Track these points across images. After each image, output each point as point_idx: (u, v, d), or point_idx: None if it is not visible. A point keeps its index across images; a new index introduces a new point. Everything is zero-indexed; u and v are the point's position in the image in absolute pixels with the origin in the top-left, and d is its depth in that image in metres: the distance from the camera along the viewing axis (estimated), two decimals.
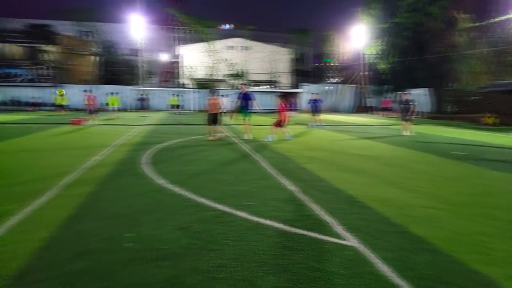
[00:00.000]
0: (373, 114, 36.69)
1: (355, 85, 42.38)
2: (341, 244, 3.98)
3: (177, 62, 48.18)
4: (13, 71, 39.43)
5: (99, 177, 6.89)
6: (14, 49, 41.47)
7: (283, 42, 53.24)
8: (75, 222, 4.51)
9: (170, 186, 6.31)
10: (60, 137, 13.52)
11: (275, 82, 48.71)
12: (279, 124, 13.30)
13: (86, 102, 20.10)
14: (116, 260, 3.54)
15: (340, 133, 16.54)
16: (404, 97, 17.08)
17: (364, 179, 7.15)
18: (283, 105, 13.44)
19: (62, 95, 32.74)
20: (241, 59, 45.20)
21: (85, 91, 22.63)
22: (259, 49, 48.71)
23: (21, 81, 39.33)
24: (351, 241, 4.06)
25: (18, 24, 42.42)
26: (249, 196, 5.78)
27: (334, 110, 40.35)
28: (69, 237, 4.04)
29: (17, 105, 37.26)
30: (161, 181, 6.62)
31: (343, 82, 46.93)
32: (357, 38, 39.31)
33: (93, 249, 3.75)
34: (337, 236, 4.20)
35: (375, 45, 37.18)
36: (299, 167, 8.24)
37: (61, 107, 31.00)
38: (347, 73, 49.54)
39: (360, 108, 41.29)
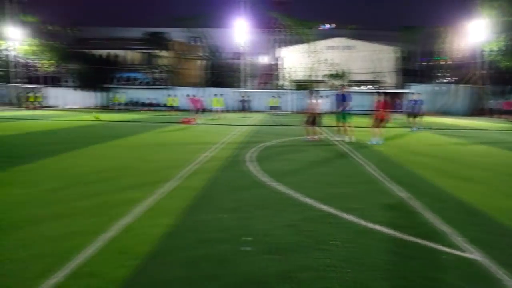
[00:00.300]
0: (492, 117, 32.82)
1: (470, 85, 38.40)
2: (462, 256, 3.68)
3: (277, 64, 49.13)
4: (132, 75, 44.34)
5: (210, 172, 7.41)
6: (134, 55, 46.67)
7: (387, 41, 50.65)
8: (193, 212, 4.93)
9: (274, 184, 6.50)
10: (173, 135, 14.87)
11: (378, 82, 46.61)
12: (378, 124, 12.73)
13: (191, 105, 21.82)
14: (232, 250, 3.78)
15: (451, 138, 15.18)
16: None
17: (480, 188, 6.48)
18: (382, 104, 12.81)
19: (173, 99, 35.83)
20: (342, 59, 44.22)
21: (187, 95, 24.64)
22: (362, 48, 47.04)
23: (139, 84, 44.02)
24: (473, 254, 3.73)
25: (137, 32, 47.52)
26: (355, 199, 5.67)
27: (445, 112, 37.07)
28: (190, 226, 4.44)
29: (135, 106, 41.82)
30: (265, 179, 6.86)
31: (456, 82, 42.89)
32: (475, 34, 35.53)
33: (212, 238, 4.07)
34: (457, 247, 3.89)
35: (497, 40, 33.25)
36: (407, 172, 7.80)
37: (171, 108, 33.90)
38: (460, 72, 45.15)
39: (477, 110, 37.26)
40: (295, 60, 43.66)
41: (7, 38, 39.88)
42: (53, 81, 48.52)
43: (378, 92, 15.58)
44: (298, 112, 35.41)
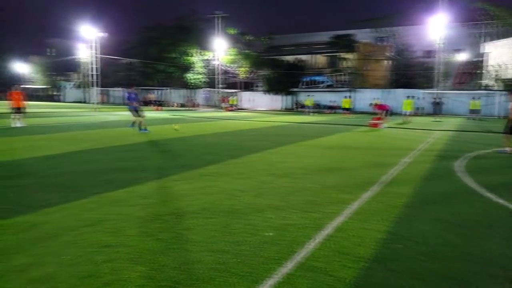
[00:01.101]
0: None
1: None
2: None
3: (479, 62, 42.70)
4: (317, 78, 45.69)
5: (414, 180, 6.81)
6: (319, 59, 48.08)
7: None
8: (408, 220, 4.54)
9: (497, 199, 5.46)
10: (362, 138, 14.52)
11: None
12: None
13: (378, 110, 20.83)
14: (472, 273, 3.26)
15: None
16: None
17: None
18: None
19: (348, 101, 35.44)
20: None
21: (370, 104, 23.55)
22: None
23: (322, 87, 45.05)
24: None
25: (324, 36, 48.76)
26: None
27: None
28: (408, 234, 4.08)
29: (317, 108, 43.05)
30: (485, 193, 5.85)
31: None
32: None
33: (438, 253, 3.62)
34: None
35: None
36: None
37: (347, 110, 33.38)
38: None
39: None
40: (504, 55, 37.01)
41: (213, 49, 46.75)
42: (247, 86, 54.48)
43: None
44: (504, 117, 29.90)
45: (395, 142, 13.06)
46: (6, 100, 18.41)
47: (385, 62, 48.66)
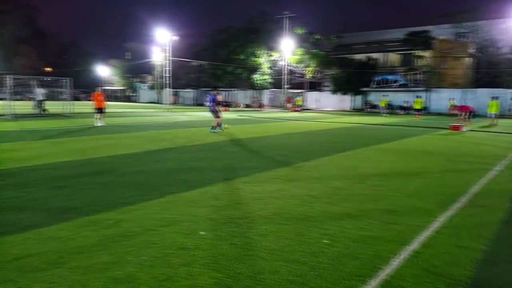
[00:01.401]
0: None
1: None
2: None
3: None
4: (389, 77, 43.55)
5: (510, 191, 6.06)
6: (392, 58, 45.83)
7: None
8: (509, 240, 4.00)
9: None
10: (444, 142, 13.46)
11: None
12: None
13: (457, 112, 19.19)
14: None
15: None
16: None
17: None
18: None
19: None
20: None
21: (450, 107, 21.60)
22: None
23: (395, 87, 42.85)
24: None
25: (397, 33, 46.37)
26: None
27: None
28: (510, 258, 3.57)
29: (390, 109, 41.02)
30: None
31: None
32: None
33: None
34: None
35: None
36: None
37: (418, 110, 31.20)
38: None
39: None
40: None
41: (280, 50, 46.67)
42: (313, 86, 53.66)
43: None
44: None
45: (481, 147, 11.90)
46: (90, 100, 19.98)
47: (466, 59, 45.00)
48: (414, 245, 3.78)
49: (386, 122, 23.66)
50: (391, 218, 4.61)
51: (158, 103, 61.81)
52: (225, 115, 29.66)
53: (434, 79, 41.38)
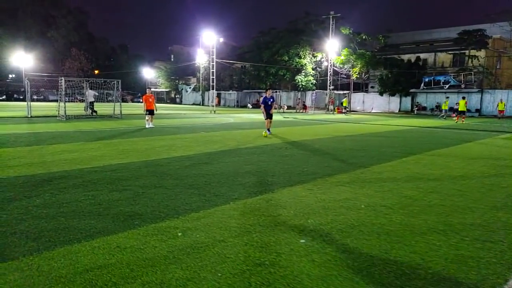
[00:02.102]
0: None
1: None
2: None
3: None
4: (439, 78, 41.40)
5: None
6: (444, 57, 43.64)
7: None
8: None
9: None
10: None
11: None
12: None
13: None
14: None
15: None
16: None
17: None
18: None
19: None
20: None
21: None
22: None
23: (449, 88, 40.64)
24: None
25: (448, 33, 44.14)
26: None
27: None
28: None
29: (439, 111, 39.00)
30: None
31: None
32: None
33: None
34: None
35: None
36: None
37: (462, 113, 29.06)
38: None
39: None
40: None
41: (324, 50, 45.75)
42: (359, 87, 52.24)
43: None
44: None
45: None
46: (138, 102, 20.32)
47: None
48: None
49: (440, 125, 22.39)
50: (484, 235, 4.08)
51: (201, 104, 62.84)
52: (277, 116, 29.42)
53: (488, 80, 38.93)
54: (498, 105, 32.48)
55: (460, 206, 5.18)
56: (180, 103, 72.46)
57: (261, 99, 14.84)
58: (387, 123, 23.26)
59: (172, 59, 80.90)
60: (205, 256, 3.46)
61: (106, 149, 10.06)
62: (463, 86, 39.23)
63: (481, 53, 39.61)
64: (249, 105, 53.46)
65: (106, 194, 5.50)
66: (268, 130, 14.59)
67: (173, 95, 77.75)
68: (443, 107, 32.27)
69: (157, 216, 4.57)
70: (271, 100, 14.54)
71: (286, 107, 47.23)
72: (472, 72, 39.33)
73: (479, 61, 39.52)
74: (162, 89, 76.48)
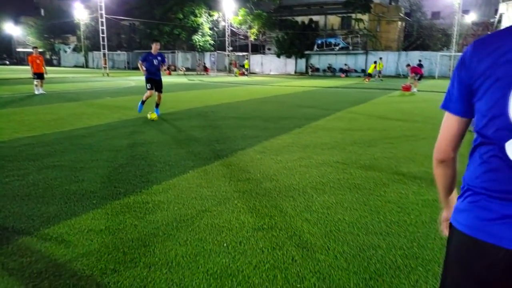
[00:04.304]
0: None
1: None
2: None
3: (491, 23, 41.36)
4: (331, 40, 44.07)
5: None
6: (333, 20, 46.40)
7: None
8: None
9: None
10: (409, 104, 14.01)
11: None
12: None
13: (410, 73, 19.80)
14: None
15: None
16: None
17: None
18: None
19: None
20: None
21: (408, 65, 21.78)
22: None
23: (338, 50, 43.62)
24: None
25: None
26: None
27: None
28: None
29: (331, 72, 42.02)
30: None
31: None
32: None
33: None
34: None
35: None
36: None
37: (369, 75, 31.99)
38: None
39: None
40: None
41: (221, 9, 44.76)
42: (257, 49, 52.89)
43: None
44: None
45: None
46: (27, 65, 17.51)
47: (398, 23, 47.11)
48: None
49: (342, 85, 24.14)
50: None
51: (85, 67, 57.11)
52: (171, 79, 28.19)
53: (371, 42, 42.87)
54: (376, 65, 34.73)
55: (401, 158, 5.70)
56: (59, 65, 64.52)
57: (143, 55, 9.39)
58: (292, 85, 24.24)
59: (43, 14, 70.43)
60: (197, 229, 3.22)
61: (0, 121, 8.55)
62: (351, 48, 42.60)
63: (365, 17, 43.10)
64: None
65: (36, 173, 4.69)
66: (156, 107, 9.35)
67: (48, 56, 68.60)
68: (378, 68, 32.30)
69: (115, 192, 4.08)
70: (159, 59, 9.15)
71: (184, 69, 45.64)
72: (358, 35, 42.80)
73: (364, 24, 43.01)
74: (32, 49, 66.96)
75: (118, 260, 2.70)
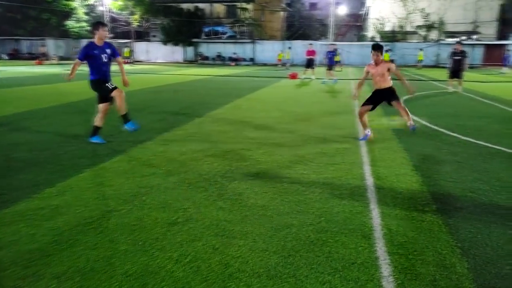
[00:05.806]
0: None
1: None
2: None
3: (361, 15, 46.43)
4: (218, 28, 44.13)
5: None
6: (220, 9, 46.50)
7: None
8: None
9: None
10: (298, 89, 14.90)
11: (475, 33, 42.24)
12: None
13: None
14: None
15: None
16: None
17: None
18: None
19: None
20: (438, 8, 40.44)
21: (311, 44, 22.15)
22: None
23: (225, 38, 43.86)
24: None
25: None
26: None
27: None
28: None
29: (221, 60, 42.27)
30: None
31: None
32: None
33: None
34: None
35: None
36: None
37: (283, 65, 33.00)
38: None
39: None
40: (388, 9, 40.70)
41: None
42: (141, 36, 50.25)
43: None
44: None
45: (332, 94, 13.72)
46: None
47: (281, 13, 49.53)
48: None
49: (233, 74, 24.44)
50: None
51: None
52: (45, 70, 25.15)
53: (257, 31, 44.27)
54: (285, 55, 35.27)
55: (298, 140, 6.09)
56: None
57: (82, 50, 5.54)
58: (183, 73, 23.76)
59: None
60: (106, 230, 3.00)
61: None
62: (238, 36, 43.38)
63: (250, 6, 44.21)
64: (4, 55, 43.90)
65: None
66: (127, 121, 5.73)
67: None
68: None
69: (0, 200, 3.56)
70: (109, 52, 5.77)
71: (57, 58, 40.84)
72: (245, 24, 43.75)
73: (249, 13, 44.09)
74: None
75: (17, 276, 2.38)
